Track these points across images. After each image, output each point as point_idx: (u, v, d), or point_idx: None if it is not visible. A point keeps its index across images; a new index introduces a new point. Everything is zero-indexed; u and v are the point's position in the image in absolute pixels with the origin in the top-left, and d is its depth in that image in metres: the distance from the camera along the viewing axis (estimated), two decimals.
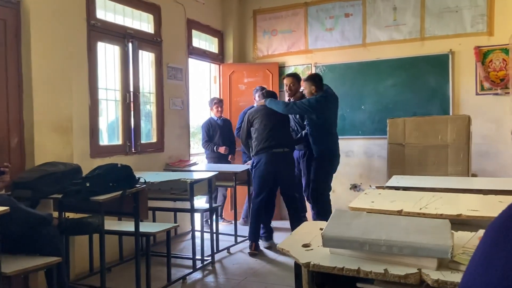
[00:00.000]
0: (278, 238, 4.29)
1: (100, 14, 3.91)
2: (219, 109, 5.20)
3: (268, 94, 4.41)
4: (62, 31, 3.38)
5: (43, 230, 2.60)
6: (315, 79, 4.34)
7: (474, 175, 3.99)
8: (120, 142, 4.15)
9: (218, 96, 5.60)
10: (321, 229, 1.57)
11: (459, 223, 1.88)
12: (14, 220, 2.48)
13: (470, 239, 1.34)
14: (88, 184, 2.82)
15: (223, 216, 5.44)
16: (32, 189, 2.86)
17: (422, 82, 4.96)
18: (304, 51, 5.65)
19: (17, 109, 3.18)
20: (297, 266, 1.40)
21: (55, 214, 3.06)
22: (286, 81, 4.58)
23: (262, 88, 4.77)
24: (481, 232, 1.40)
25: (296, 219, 4.09)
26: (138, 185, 3.00)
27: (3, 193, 2.54)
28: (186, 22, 5.06)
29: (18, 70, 3.18)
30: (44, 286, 2.81)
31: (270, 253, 4.14)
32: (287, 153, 4.20)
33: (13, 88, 3.16)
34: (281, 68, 5.76)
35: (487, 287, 0.42)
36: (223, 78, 5.78)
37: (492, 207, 2.04)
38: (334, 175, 4.38)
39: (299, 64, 5.69)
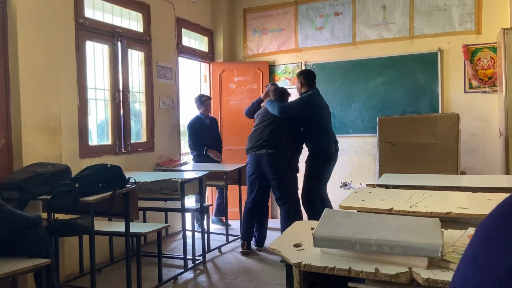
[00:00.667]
0: (270, 237, 4.29)
1: (89, 12, 3.87)
2: (209, 107, 5.07)
3: (277, 93, 4.24)
4: (50, 30, 3.33)
5: (32, 232, 2.56)
6: (305, 75, 4.28)
7: (463, 173, 4.04)
8: (109, 142, 4.11)
9: (207, 94, 5.50)
10: (312, 228, 1.57)
11: (448, 220, 1.90)
12: (2, 222, 2.45)
13: (460, 237, 1.35)
14: (77, 185, 2.79)
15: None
16: (20, 190, 2.83)
17: (411, 81, 5.00)
18: (294, 49, 5.65)
19: (4, 109, 3.13)
20: (289, 266, 1.40)
21: (44, 215, 3.02)
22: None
23: (274, 85, 4.59)
24: (470, 230, 1.42)
25: (284, 221, 3.91)
26: (128, 186, 2.98)
27: None
28: (176, 21, 5.03)
29: (5, 70, 3.13)
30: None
31: (261, 252, 4.14)
32: (272, 154, 3.95)
33: (0, 88, 3.11)
34: (271, 66, 5.76)
35: (477, 286, 0.42)
36: (213, 77, 5.76)
37: (481, 205, 2.06)
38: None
39: (290, 63, 5.69)
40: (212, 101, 5.22)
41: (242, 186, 4.61)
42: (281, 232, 3.45)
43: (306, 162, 4.25)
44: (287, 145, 4.08)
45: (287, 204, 3.96)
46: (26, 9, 3.17)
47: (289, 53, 5.68)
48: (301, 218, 3.88)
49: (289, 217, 3.77)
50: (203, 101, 5.00)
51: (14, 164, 3.16)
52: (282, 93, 4.28)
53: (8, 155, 3.16)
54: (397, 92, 5.06)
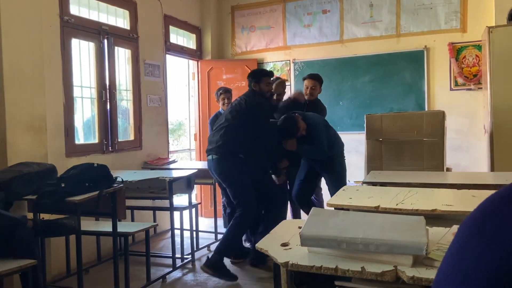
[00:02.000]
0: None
1: (74, 9, 3.82)
2: (226, 100, 4.57)
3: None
4: (34, 28, 3.28)
5: (17, 232, 2.53)
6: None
7: (448, 169, 4.08)
8: (96, 140, 4.07)
9: (225, 87, 5.01)
10: (299, 227, 1.58)
11: (434, 217, 1.93)
12: None
13: (444, 235, 1.37)
14: (63, 185, 2.76)
15: None
16: (5, 190, 2.78)
17: (398, 78, 5.04)
18: (283, 47, 5.65)
19: None
20: (276, 266, 1.41)
21: (30, 215, 2.98)
22: (307, 83, 4.15)
23: (278, 79, 4.30)
24: (455, 227, 1.44)
25: (228, 227, 3.46)
26: (115, 185, 2.95)
27: None
28: (163, 18, 4.99)
29: None
30: None
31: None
32: (217, 160, 3.41)
33: None
34: (259, 64, 5.76)
35: (459, 286, 0.42)
36: (202, 74, 5.74)
37: (466, 202, 2.09)
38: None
39: (278, 61, 5.69)
40: (230, 94, 4.66)
41: None
42: (222, 237, 3.46)
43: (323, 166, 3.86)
44: (241, 147, 3.43)
45: (238, 212, 3.42)
46: (9, 6, 3.12)
47: (278, 50, 5.68)
48: (243, 231, 3.57)
49: (235, 225, 3.38)
50: (219, 94, 4.67)
51: None
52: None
53: None
54: (384, 90, 5.10)
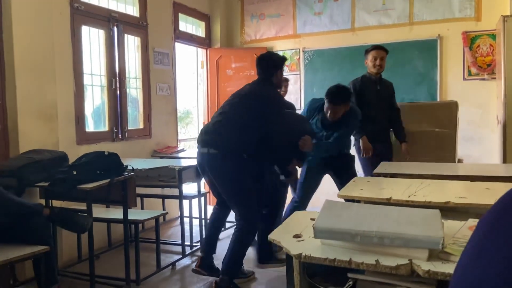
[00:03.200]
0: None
1: None
2: (286, 88, 4.29)
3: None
4: (45, 15, 3.27)
5: (33, 221, 2.56)
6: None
7: (460, 161, 4.05)
8: (106, 128, 4.08)
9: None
10: (312, 219, 1.57)
11: (447, 210, 1.91)
12: (3, 210, 2.44)
13: (460, 229, 1.36)
14: (75, 172, 2.78)
15: None
16: (17, 177, 2.81)
17: (410, 68, 4.97)
18: (293, 35, 5.59)
19: (0, 96, 3.09)
20: (289, 257, 1.40)
21: (42, 202, 3.01)
22: (376, 54, 3.78)
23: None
24: (471, 221, 1.42)
25: (232, 243, 2.86)
26: (126, 173, 2.97)
27: None
28: (173, 5, 4.95)
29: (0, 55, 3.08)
30: (32, 275, 2.79)
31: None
32: (216, 157, 2.79)
33: None
34: None
35: (478, 282, 0.41)
36: (210, 63, 5.70)
37: (480, 194, 2.07)
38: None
39: (287, 49, 5.63)
40: (287, 83, 4.36)
41: None
42: (225, 255, 2.83)
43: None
44: (247, 147, 2.84)
45: (240, 222, 2.85)
46: None
47: (287, 39, 5.62)
48: (249, 244, 2.94)
49: (238, 240, 2.85)
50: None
51: (11, 151, 3.13)
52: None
53: (5, 142, 3.13)
54: (395, 79, 5.00)
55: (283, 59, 3.13)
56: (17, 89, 3.10)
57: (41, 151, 3.05)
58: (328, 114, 3.26)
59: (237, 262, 2.90)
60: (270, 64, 2.98)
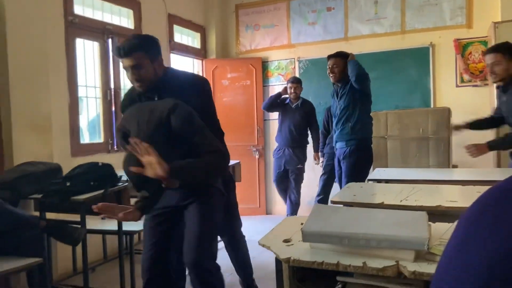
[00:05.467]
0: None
1: (78, 9, 3.84)
2: (291, 90, 4.79)
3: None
4: (39, 27, 3.31)
5: (28, 233, 2.55)
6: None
7: (455, 167, 4.06)
8: (101, 140, 4.09)
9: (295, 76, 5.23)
10: (302, 224, 1.58)
11: (438, 214, 1.91)
12: (2, 221, 2.43)
13: (447, 230, 1.36)
14: (68, 184, 2.78)
15: None
16: (11, 189, 2.80)
17: (403, 75, 5.01)
18: (287, 45, 5.64)
19: None
20: (278, 262, 1.41)
21: (36, 214, 3.01)
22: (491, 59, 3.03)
23: (294, 82, 4.81)
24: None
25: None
26: (120, 184, 2.97)
27: None
28: (167, 17, 5.01)
29: None
30: (26, 287, 2.77)
31: (254, 249, 4.13)
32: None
33: None
34: (264, 63, 5.75)
35: (457, 280, 0.42)
36: (206, 73, 5.74)
37: (470, 198, 2.07)
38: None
39: (283, 59, 5.68)
40: (296, 83, 4.83)
41: (236, 183, 4.60)
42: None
43: (348, 155, 3.83)
44: None
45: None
46: (14, 6, 3.14)
47: (282, 49, 5.67)
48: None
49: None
50: (287, 83, 4.93)
51: (5, 163, 3.14)
52: None
53: None
54: (389, 87, 5.07)
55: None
56: (11, 102, 3.12)
57: (35, 163, 3.06)
58: (328, 73, 3.82)
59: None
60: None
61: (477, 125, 3.65)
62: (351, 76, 3.69)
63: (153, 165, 1.72)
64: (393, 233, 1.22)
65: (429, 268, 1.14)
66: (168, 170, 1.73)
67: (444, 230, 1.39)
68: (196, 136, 1.87)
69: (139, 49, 2.00)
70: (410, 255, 1.19)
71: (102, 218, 3.66)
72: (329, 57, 3.87)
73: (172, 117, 1.85)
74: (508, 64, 2.90)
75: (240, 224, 2.95)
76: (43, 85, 3.34)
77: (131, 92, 2.24)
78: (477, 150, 2.92)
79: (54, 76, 3.48)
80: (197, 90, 2.12)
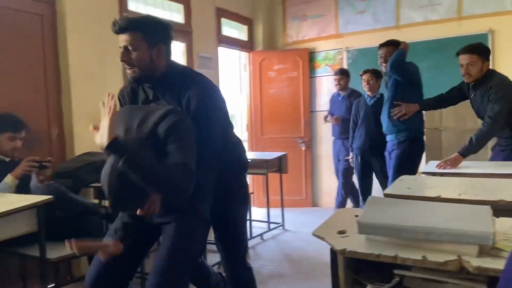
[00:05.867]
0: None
1: (132, 6, 3.98)
2: (339, 81, 4.84)
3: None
4: (96, 24, 3.46)
5: (90, 219, 2.70)
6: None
7: None
8: None
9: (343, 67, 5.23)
10: (356, 216, 1.57)
11: (500, 209, 1.82)
12: (65, 208, 2.59)
13: None
14: None
15: None
16: (73, 178, 2.98)
17: (458, 64, 4.77)
18: (335, 35, 5.55)
19: (56, 101, 3.31)
20: (333, 253, 1.40)
21: (95, 201, 3.18)
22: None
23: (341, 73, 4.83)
24: None
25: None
26: None
27: (52, 183, 2.65)
28: (216, 11, 5.07)
29: (56, 65, 3.29)
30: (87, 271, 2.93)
31: (301, 241, 4.15)
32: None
33: (52, 80, 3.27)
34: (311, 53, 5.70)
35: None
36: (253, 65, 5.77)
37: None
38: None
39: (330, 49, 5.60)
40: (344, 75, 4.88)
41: (282, 175, 4.62)
42: None
43: (396, 147, 3.63)
44: None
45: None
46: (73, 5, 3.31)
47: (330, 39, 5.59)
48: None
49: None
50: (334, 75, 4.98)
51: (67, 153, 3.34)
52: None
53: (62, 145, 3.34)
54: (443, 76, 4.86)
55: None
56: (72, 96, 3.30)
57: (95, 153, 3.22)
58: (380, 63, 3.71)
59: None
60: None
61: (425, 105, 3.61)
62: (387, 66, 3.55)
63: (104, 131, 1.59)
64: (455, 226, 1.19)
65: (494, 263, 1.09)
66: (125, 151, 1.56)
67: (509, 225, 1.32)
68: (172, 144, 1.62)
69: (137, 28, 1.72)
70: (473, 249, 1.15)
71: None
72: (381, 45, 3.73)
73: (160, 126, 1.64)
74: (482, 65, 3.08)
75: (243, 250, 2.21)
76: (100, 79, 3.50)
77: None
78: (451, 163, 2.79)
79: (110, 71, 3.63)
80: (197, 98, 1.74)
